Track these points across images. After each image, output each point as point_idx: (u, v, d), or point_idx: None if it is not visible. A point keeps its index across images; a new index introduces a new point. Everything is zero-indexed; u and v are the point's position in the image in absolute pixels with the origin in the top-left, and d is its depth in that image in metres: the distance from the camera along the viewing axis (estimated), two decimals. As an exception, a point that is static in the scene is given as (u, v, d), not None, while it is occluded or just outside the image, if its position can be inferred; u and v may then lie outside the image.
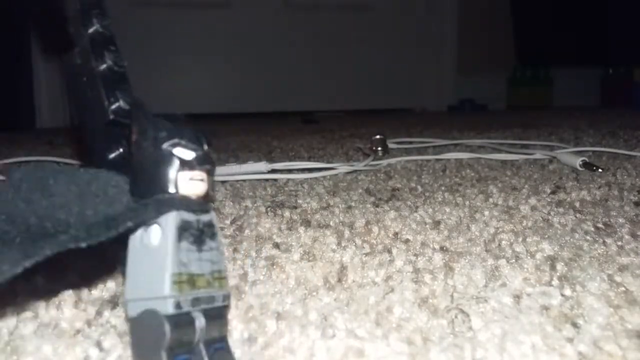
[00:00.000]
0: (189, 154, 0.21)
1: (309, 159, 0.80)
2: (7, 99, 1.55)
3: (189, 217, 0.21)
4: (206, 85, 1.89)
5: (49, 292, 0.29)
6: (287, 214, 0.47)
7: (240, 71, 1.92)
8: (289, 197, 0.55)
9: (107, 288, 0.31)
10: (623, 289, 0.29)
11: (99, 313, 0.28)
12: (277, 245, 0.38)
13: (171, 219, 0.20)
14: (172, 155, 0.21)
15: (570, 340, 0.24)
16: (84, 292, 0.30)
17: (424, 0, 2.07)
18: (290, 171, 0.67)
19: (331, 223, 0.44)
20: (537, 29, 2.10)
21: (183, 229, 0.20)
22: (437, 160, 0.75)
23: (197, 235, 0.21)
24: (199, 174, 0.21)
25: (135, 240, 0.21)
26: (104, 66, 0.25)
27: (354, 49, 2.00)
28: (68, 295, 0.30)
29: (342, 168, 0.67)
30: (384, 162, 0.73)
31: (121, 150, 0.26)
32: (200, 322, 0.20)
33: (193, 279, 0.20)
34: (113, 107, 0.25)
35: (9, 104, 1.56)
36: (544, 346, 0.23)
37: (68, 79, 0.26)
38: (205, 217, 0.21)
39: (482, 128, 1.20)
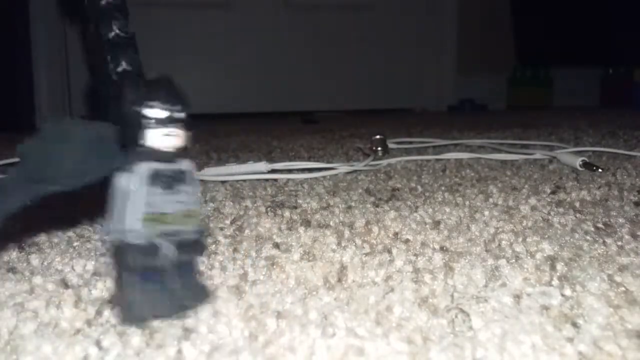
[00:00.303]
0: (162, 113, 0.25)
1: (309, 159, 0.80)
2: (7, 99, 1.55)
3: (160, 166, 0.25)
4: (206, 85, 1.89)
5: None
6: (287, 214, 0.47)
7: (240, 71, 1.92)
8: (289, 197, 0.55)
9: (107, 288, 0.31)
10: (623, 289, 0.29)
11: (98, 312, 0.28)
12: (277, 245, 0.38)
13: (144, 168, 0.25)
14: (145, 115, 0.25)
15: (570, 340, 0.24)
16: (84, 292, 0.30)
17: (424, 0, 2.07)
18: (290, 171, 0.67)
19: (331, 223, 0.44)
20: (537, 29, 2.10)
21: (154, 177, 0.25)
22: (437, 160, 0.75)
23: (168, 181, 0.25)
24: (173, 130, 0.25)
25: (118, 185, 0.25)
26: (111, 34, 0.28)
27: (354, 49, 2.00)
28: (68, 295, 0.30)
29: (342, 168, 0.67)
30: (384, 162, 0.73)
31: None
32: (168, 249, 0.25)
33: (161, 216, 0.25)
34: (118, 69, 0.28)
35: (9, 104, 1.56)
36: (544, 346, 0.23)
37: (85, 44, 0.29)
38: (176, 166, 0.26)
39: (482, 128, 1.20)
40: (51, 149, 0.25)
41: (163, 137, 0.25)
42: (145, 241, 0.25)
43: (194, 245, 0.27)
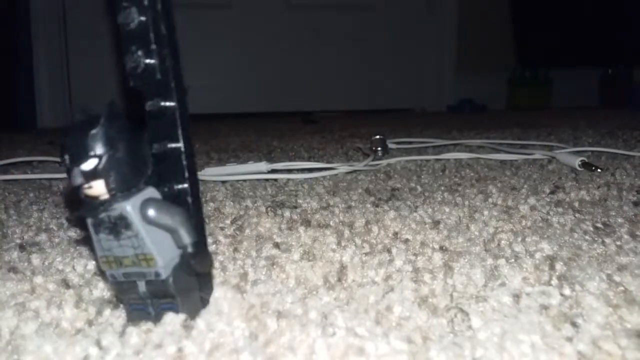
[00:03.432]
0: (73, 178, 0.24)
1: (309, 159, 0.80)
2: (8, 99, 1.55)
3: (101, 214, 0.25)
4: (206, 85, 1.89)
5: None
6: (287, 213, 0.47)
7: (241, 71, 1.92)
8: (289, 197, 0.55)
9: (107, 288, 0.31)
10: (622, 288, 0.29)
11: (99, 312, 0.28)
12: (277, 245, 0.38)
13: (88, 219, 0.25)
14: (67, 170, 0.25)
15: (569, 339, 0.24)
16: (85, 292, 0.31)
17: (424, 0, 2.07)
18: (290, 171, 0.67)
19: (331, 223, 0.44)
20: (536, 29, 2.10)
21: (97, 225, 0.25)
22: (437, 160, 0.75)
23: (111, 227, 0.25)
24: (86, 185, 0.24)
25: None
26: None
27: (354, 49, 2.00)
28: (69, 295, 0.30)
29: (342, 168, 0.67)
30: (384, 162, 0.73)
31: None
32: (141, 287, 0.26)
33: (118, 260, 0.25)
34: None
35: (10, 104, 1.56)
36: (544, 345, 0.23)
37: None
38: (113, 213, 0.25)
39: (482, 128, 1.20)
40: None
41: (85, 191, 0.25)
42: (114, 279, 0.26)
43: (162, 285, 0.26)
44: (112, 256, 0.25)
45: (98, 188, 0.24)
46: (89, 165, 0.24)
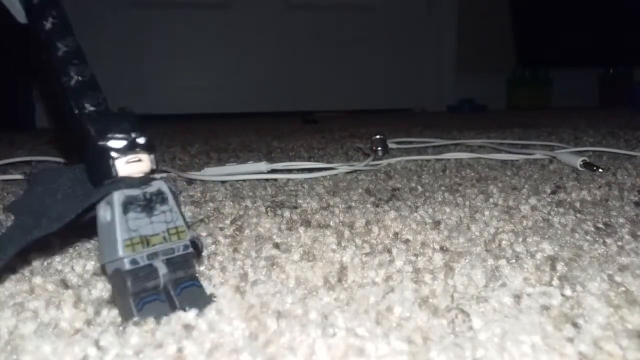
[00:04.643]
0: (119, 143, 0.26)
1: (309, 159, 0.80)
2: (7, 99, 1.55)
3: (133, 192, 0.26)
4: (206, 85, 1.89)
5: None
6: (287, 214, 0.47)
7: (241, 71, 1.92)
8: (289, 197, 0.55)
9: (107, 288, 0.31)
10: (623, 289, 0.29)
11: (97, 313, 0.28)
12: (277, 245, 0.38)
13: (115, 198, 0.25)
14: (106, 147, 0.26)
15: (570, 340, 0.24)
16: (84, 292, 0.30)
17: (424, 0, 2.07)
18: (290, 171, 0.67)
19: (331, 223, 0.44)
20: (536, 29, 2.10)
21: (128, 203, 0.25)
22: (437, 160, 0.75)
23: (145, 204, 0.26)
24: (134, 157, 0.26)
25: (99, 218, 0.26)
26: (72, 81, 0.30)
27: (354, 49, 2.00)
28: (68, 296, 0.30)
29: (342, 168, 0.67)
30: (384, 162, 0.73)
31: None
32: (162, 270, 0.26)
33: (146, 239, 0.26)
34: (83, 112, 0.29)
35: (9, 104, 1.56)
36: (544, 346, 0.23)
37: (48, 95, 0.31)
38: (151, 189, 0.26)
39: (482, 128, 1.20)
40: (39, 204, 0.27)
41: (128, 164, 0.26)
42: (135, 264, 0.26)
43: (185, 259, 0.27)
44: (138, 237, 0.26)
45: (145, 163, 0.26)
46: (143, 139, 0.26)
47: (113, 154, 0.26)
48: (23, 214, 0.27)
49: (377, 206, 0.49)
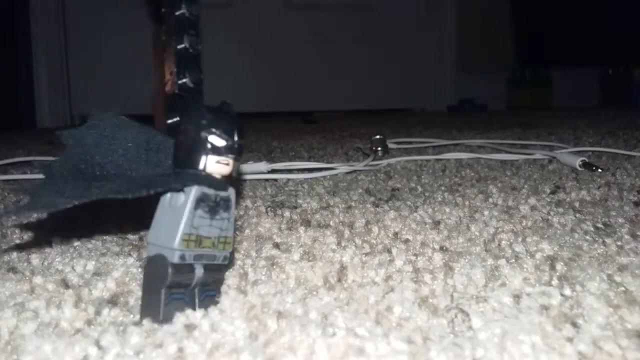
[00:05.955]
0: (220, 142, 0.26)
1: (309, 159, 0.80)
2: (8, 98, 1.55)
3: (209, 191, 0.26)
4: (206, 85, 1.89)
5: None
6: (287, 214, 0.47)
7: (241, 71, 1.92)
8: (289, 197, 0.55)
9: (107, 288, 0.31)
10: (623, 288, 0.29)
11: (98, 312, 0.28)
12: (277, 245, 0.38)
13: (193, 190, 0.26)
14: (206, 140, 0.26)
15: (570, 339, 0.24)
16: (85, 292, 0.30)
17: (424, 0, 2.07)
18: (290, 171, 0.67)
19: (331, 223, 0.44)
20: (536, 29, 2.10)
21: (201, 200, 0.26)
22: (437, 160, 0.75)
23: (213, 206, 0.26)
24: (225, 159, 0.26)
25: (165, 199, 0.26)
26: (181, 46, 0.30)
27: (353, 49, 2.00)
28: (68, 295, 0.30)
29: (342, 168, 0.67)
30: (384, 162, 0.73)
31: (177, 119, 0.32)
32: (199, 272, 0.26)
33: (200, 239, 0.26)
34: (180, 82, 0.29)
35: (10, 103, 1.56)
36: (544, 346, 0.23)
37: (156, 50, 0.30)
38: (223, 193, 0.27)
39: (482, 128, 1.20)
40: (101, 141, 0.26)
41: (217, 164, 0.26)
42: (182, 260, 0.26)
43: (219, 269, 0.28)
44: (195, 235, 0.26)
45: (230, 168, 0.27)
46: (238, 145, 0.27)
47: (210, 149, 0.26)
48: (77, 152, 0.26)
49: (377, 206, 0.50)
